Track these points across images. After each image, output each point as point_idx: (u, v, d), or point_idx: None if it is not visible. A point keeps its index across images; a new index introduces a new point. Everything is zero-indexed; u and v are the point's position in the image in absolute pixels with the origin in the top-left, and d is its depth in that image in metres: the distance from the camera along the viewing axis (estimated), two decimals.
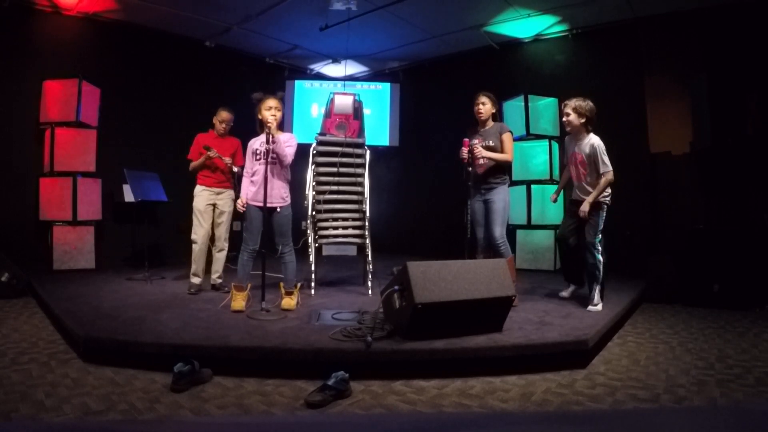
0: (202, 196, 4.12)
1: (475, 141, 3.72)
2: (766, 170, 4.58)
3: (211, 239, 4.24)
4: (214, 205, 4.17)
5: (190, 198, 4.16)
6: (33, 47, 5.35)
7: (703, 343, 3.18)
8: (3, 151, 5.24)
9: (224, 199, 4.19)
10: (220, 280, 4.19)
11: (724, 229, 4.45)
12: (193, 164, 4.14)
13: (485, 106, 3.77)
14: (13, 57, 5.24)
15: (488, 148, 3.69)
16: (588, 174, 3.61)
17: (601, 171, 3.52)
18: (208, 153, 4.03)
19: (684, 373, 2.60)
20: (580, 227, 3.68)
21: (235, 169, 4.17)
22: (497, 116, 3.88)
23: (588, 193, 3.59)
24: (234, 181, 4.24)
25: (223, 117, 4.17)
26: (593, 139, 3.59)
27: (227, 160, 4.10)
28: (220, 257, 4.22)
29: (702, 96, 4.58)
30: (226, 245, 4.24)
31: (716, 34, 4.99)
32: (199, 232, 4.10)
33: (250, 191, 3.53)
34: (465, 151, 3.65)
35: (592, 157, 3.55)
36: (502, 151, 3.71)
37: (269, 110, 3.40)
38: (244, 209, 3.52)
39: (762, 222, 4.44)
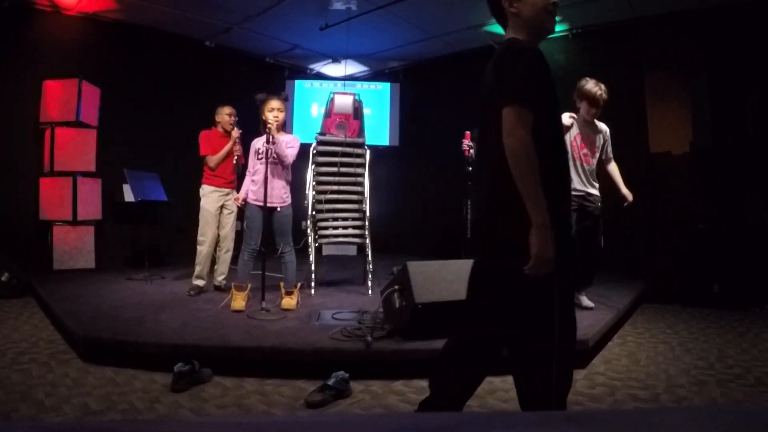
0: (212, 197, 4.07)
1: None
2: (766, 170, 4.58)
3: (217, 240, 4.20)
4: (222, 206, 4.13)
5: (191, 198, 4.13)
6: (33, 47, 5.34)
7: (703, 343, 3.18)
8: (3, 151, 5.23)
9: (231, 199, 4.13)
10: (225, 282, 4.16)
11: (724, 229, 4.45)
12: (214, 158, 4.04)
13: None
14: (13, 57, 5.24)
15: None
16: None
17: None
18: (233, 134, 4.01)
19: (684, 373, 2.60)
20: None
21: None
22: None
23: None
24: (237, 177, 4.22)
25: (226, 110, 4.16)
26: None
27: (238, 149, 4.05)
28: (226, 258, 4.19)
29: (702, 96, 4.58)
30: (231, 246, 4.20)
31: (716, 34, 4.99)
32: (207, 234, 4.05)
33: (251, 191, 3.53)
34: (467, 143, 3.63)
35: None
36: None
37: (272, 111, 3.42)
38: (240, 204, 3.53)
39: (762, 222, 4.44)
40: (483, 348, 1.62)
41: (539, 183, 1.35)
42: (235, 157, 3.99)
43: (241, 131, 4.05)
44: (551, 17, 1.56)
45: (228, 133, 4.15)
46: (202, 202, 4.08)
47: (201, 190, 4.11)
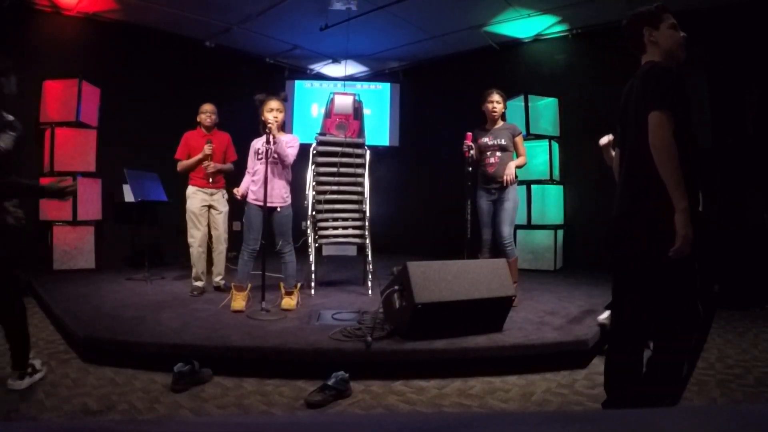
0: (196, 197, 4.07)
1: (485, 139, 3.71)
2: (766, 170, 4.58)
3: (210, 241, 4.21)
4: (210, 207, 4.13)
5: None
6: (33, 47, 5.34)
7: None
8: None
9: (218, 199, 4.15)
10: (223, 282, 4.17)
11: (724, 229, 4.45)
12: (183, 164, 4.07)
13: (499, 105, 3.70)
14: (13, 57, 5.19)
15: (500, 147, 3.66)
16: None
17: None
18: (206, 150, 4.01)
19: None
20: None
21: (227, 166, 4.17)
22: (504, 115, 3.82)
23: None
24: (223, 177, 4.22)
25: (205, 108, 4.14)
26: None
27: (210, 167, 4.04)
28: (220, 258, 4.19)
29: (702, 96, 4.57)
30: (225, 245, 4.21)
31: (716, 34, 4.99)
32: (195, 235, 4.06)
33: (251, 191, 3.53)
34: (467, 144, 3.62)
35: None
36: (516, 153, 3.72)
37: (271, 112, 3.42)
38: (239, 197, 3.55)
39: (762, 222, 4.44)
40: (635, 333, 1.88)
41: (681, 174, 1.64)
42: (209, 172, 4.02)
43: (213, 146, 4.05)
44: (683, 48, 1.89)
45: (208, 130, 4.15)
46: (187, 204, 4.08)
47: (186, 190, 4.11)
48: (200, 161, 4.04)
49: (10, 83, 2.65)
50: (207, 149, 4.02)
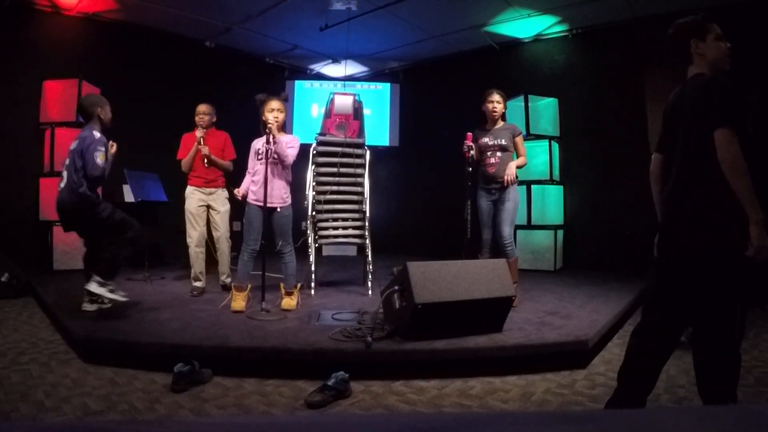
0: (194, 197, 4.08)
1: (485, 139, 3.71)
2: (766, 170, 4.58)
3: (212, 241, 4.21)
4: (209, 207, 4.13)
5: None
6: (33, 47, 5.34)
7: None
8: (3, 151, 5.23)
9: (217, 198, 4.15)
10: (228, 280, 4.17)
11: None
12: (184, 161, 4.09)
13: (500, 105, 3.70)
14: (13, 57, 5.24)
15: (501, 147, 3.66)
16: None
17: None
18: (197, 134, 4.01)
19: (684, 373, 2.60)
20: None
21: (225, 163, 4.16)
22: (505, 116, 3.81)
23: None
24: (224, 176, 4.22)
25: (198, 110, 4.13)
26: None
27: (204, 149, 4.02)
28: (224, 257, 4.19)
29: None
30: (228, 243, 4.21)
31: None
32: (193, 235, 4.07)
33: (251, 191, 3.53)
34: (468, 144, 3.62)
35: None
36: (516, 153, 3.72)
37: (272, 112, 3.42)
38: (240, 198, 3.55)
39: None
40: (666, 333, 1.88)
41: (752, 186, 1.71)
42: (204, 159, 4.01)
43: (205, 130, 4.05)
44: (729, 59, 1.94)
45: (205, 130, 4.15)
46: (186, 204, 4.09)
47: (185, 191, 4.12)
48: (197, 150, 4.04)
49: (107, 112, 3.18)
50: (198, 133, 4.03)
